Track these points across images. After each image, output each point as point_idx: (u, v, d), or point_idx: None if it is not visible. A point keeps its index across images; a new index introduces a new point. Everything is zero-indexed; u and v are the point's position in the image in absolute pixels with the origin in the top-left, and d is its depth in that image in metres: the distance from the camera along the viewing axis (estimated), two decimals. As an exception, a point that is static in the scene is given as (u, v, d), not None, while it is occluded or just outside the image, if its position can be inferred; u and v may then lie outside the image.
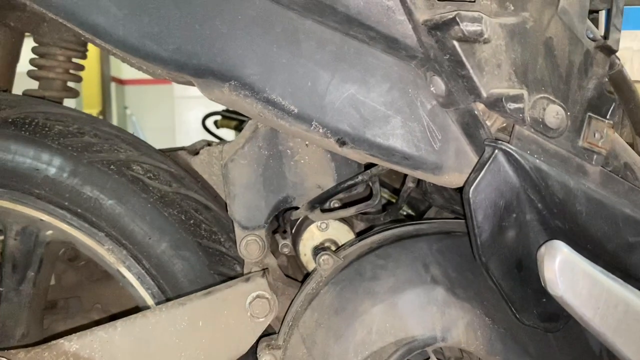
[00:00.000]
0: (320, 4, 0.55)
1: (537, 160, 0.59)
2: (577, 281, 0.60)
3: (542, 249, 0.61)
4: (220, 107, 2.68)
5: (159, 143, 0.88)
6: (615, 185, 0.65)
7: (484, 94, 0.56)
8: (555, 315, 0.67)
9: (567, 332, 0.69)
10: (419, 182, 0.80)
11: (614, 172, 0.66)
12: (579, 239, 0.63)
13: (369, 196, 0.75)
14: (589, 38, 0.62)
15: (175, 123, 5.84)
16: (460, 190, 0.62)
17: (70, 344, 0.64)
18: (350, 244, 0.74)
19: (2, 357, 0.65)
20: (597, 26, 0.67)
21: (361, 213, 0.79)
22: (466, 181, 0.60)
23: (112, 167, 0.70)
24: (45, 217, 0.70)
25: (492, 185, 0.59)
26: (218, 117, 2.84)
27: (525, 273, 0.64)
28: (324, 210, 0.75)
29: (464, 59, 0.54)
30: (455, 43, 0.54)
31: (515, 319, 0.66)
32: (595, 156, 0.63)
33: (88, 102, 5.17)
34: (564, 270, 0.59)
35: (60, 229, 0.71)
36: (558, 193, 0.60)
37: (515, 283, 0.64)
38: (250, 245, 0.71)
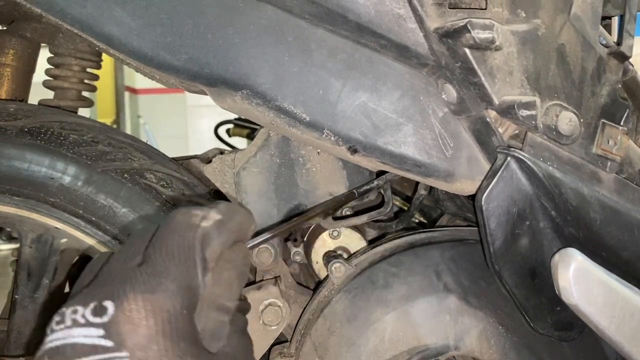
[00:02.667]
0: (331, 12, 0.56)
1: (550, 167, 0.59)
2: (591, 289, 0.59)
3: (556, 256, 0.61)
4: (232, 116, 2.69)
5: (171, 151, 0.89)
6: (630, 192, 0.64)
7: (496, 101, 0.56)
8: (569, 324, 0.66)
9: (582, 341, 0.68)
10: (431, 189, 0.80)
11: (629, 179, 0.65)
12: (593, 246, 0.62)
13: (381, 204, 0.75)
14: (601, 44, 0.61)
15: (188, 131, 5.87)
16: (472, 197, 0.61)
17: (84, 351, 0.64)
18: (362, 251, 0.74)
19: (17, 364, 0.65)
20: (610, 32, 0.67)
21: (373, 221, 0.79)
22: (478, 188, 0.60)
23: (125, 175, 0.71)
24: (60, 225, 0.71)
25: (504, 193, 0.59)
26: (230, 126, 2.86)
27: (539, 281, 0.63)
28: (335, 218, 0.75)
29: (475, 66, 0.54)
30: (467, 50, 0.54)
31: (529, 328, 0.66)
32: (609, 163, 0.62)
33: (102, 111, 5.22)
34: (579, 279, 0.59)
35: (75, 236, 0.72)
36: (572, 200, 0.60)
37: (529, 291, 0.63)
38: (262, 253, 0.71)
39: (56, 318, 0.34)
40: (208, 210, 0.40)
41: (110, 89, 5.47)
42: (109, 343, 0.32)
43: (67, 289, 0.90)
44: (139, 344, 0.32)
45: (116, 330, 0.32)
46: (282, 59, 0.58)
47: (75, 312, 0.34)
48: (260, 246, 0.70)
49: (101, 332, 0.32)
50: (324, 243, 0.79)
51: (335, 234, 0.78)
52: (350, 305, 0.68)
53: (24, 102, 0.89)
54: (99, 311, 0.33)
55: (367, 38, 0.57)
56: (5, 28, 0.89)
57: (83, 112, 0.91)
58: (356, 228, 0.80)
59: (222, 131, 2.91)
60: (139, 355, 0.32)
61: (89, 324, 0.33)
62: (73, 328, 0.33)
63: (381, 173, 0.69)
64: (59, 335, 0.33)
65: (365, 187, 0.70)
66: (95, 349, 0.32)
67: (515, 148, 0.58)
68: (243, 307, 0.46)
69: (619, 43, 0.63)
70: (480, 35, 0.53)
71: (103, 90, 5.15)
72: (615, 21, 0.70)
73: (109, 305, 0.33)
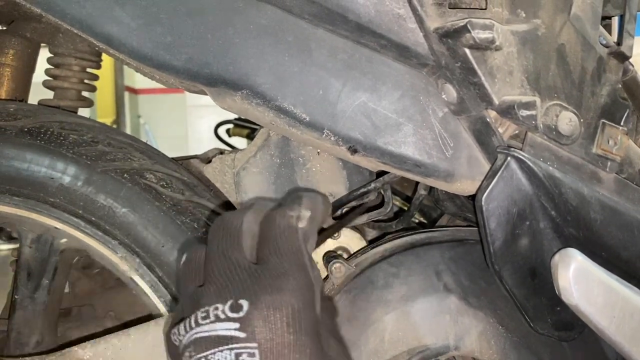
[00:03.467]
0: (331, 12, 0.56)
1: (550, 168, 0.59)
2: (591, 289, 0.59)
3: (556, 256, 0.61)
4: (232, 116, 2.69)
5: (171, 151, 0.89)
6: (630, 192, 0.64)
7: (496, 101, 0.56)
8: (569, 324, 0.66)
9: (582, 341, 0.68)
10: (431, 189, 0.80)
11: (629, 179, 0.65)
12: (593, 246, 0.62)
13: (381, 204, 0.75)
14: (601, 44, 0.61)
15: (188, 131, 5.88)
16: (472, 197, 0.61)
17: (84, 351, 0.64)
18: (362, 251, 0.74)
19: (17, 364, 0.65)
20: (610, 32, 0.67)
21: (373, 221, 0.79)
22: (478, 189, 0.60)
23: (125, 175, 0.71)
24: (59, 225, 0.71)
25: (504, 193, 0.59)
26: (230, 126, 2.86)
27: (539, 281, 0.63)
28: (335, 218, 0.75)
29: (475, 66, 0.54)
30: (467, 50, 0.54)
31: (529, 328, 0.66)
32: (609, 163, 0.62)
33: (102, 111, 5.23)
34: (579, 279, 0.59)
35: (75, 237, 0.72)
36: (572, 200, 0.60)
37: (529, 291, 0.63)
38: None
39: (202, 313, 0.40)
40: (299, 208, 0.45)
41: (110, 89, 5.47)
42: (242, 334, 0.38)
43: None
44: (267, 337, 0.38)
45: (249, 324, 0.38)
46: (282, 59, 0.58)
47: (216, 309, 0.39)
48: None
49: (237, 325, 0.38)
50: (324, 243, 0.79)
51: (335, 234, 0.78)
52: (350, 305, 0.68)
53: (23, 102, 0.89)
54: (236, 308, 0.39)
55: (367, 38, 0.57)
56: (5, 28, 0.89)
57: (83, 112, 0.91)
58: (356, 228, 0.80)
59: (222, 131, 2.92)
60: (266, 346, 0.38)
61: (228, 319, 0.39)
62: (216, 322, 0.39)
63: (381, 173, 0.69)
64: (205, 329, 0.39)
65: (367, 188, 0.70)
66: (232, 340, 0.38)
67: (515, 148, 0.58)
68: (330, 307, 0.48)
69: (619, 43, 0.63)
70: (480, 35, 0.53)
71: (103, 90, 5.15)
72: (615, 21, 0.70)
73: (244, 303, 0.39)
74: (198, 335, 0.39)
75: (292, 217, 0.44)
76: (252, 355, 0.38)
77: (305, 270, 0.42)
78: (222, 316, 0.39)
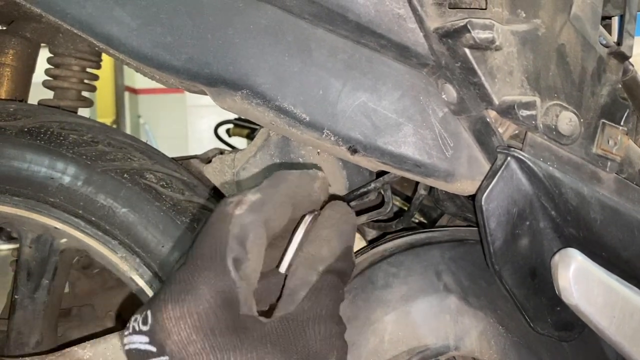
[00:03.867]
0: (331, 12, 0.56)
1: (550, 168, 0.59)
2: (592, 289, 0.59)
3: (556, 256, 0.61)
4: (232, 116, 2.69)
5: (171, 151, 0.89)
6: (630, 192, 0.64)
7: (496, 101, 0.56)
8: (570, 324, 0.66)
9: (582, 341, 0.68)
10: (431, 189, 0.80)
11: (629, 179, 0.65)
12: (593, 246, 0.62)
13: (381, 204, 0.75)
14: (602, 44, 0.61)
15: (188, 131, 5.88)
16: (472, 197, 0.61)
17: (84, 351, 0.64)
18: (362, 251, 0.74)
19: (17, 364, 0.65)
20: (610, 32, 0.67)
21: (373, 221, 0.79)
22: (478, 189, 0.60)
23: (125, 175, 0.71)
24: (59, 225, 0.71)
25: (504, 193, 0.59)
26: (230, 126, 2.86)
27: (539, 281, 0.63)
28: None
29: (475, 66, 0.54)
30: (467, 50, 0.54)
31: (530, 328, 0.66)
32: (609, 163, 0.62)
33: (102, 111, 5.23)
34: (579, 279, 0.59)
35: (75, 237, 0.72)
36: (572, 200, 0.60)
37: (529, 291, 0.63)
38: (262, 253, 0.70)
39: (128, 325, 0.39)
40: (246, 192, 0.42)
41: (110, 89, 5.47)
42: (153, 349, 0.37)
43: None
44: (177, 347, 0.36)
45: (156, 337, 0.37)
46: (282, 59, 0.58)
47: (135, 320, 0.39)
48: None
49: (147, 339, 0.37)
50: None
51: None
52: (350, 305, 0.68)
53: (23, 102, 0.89)
54: (145, 320, 0.38)
55: (367, 38, 0.57)
56: (5, 28, 0.89)
57: (83, 112, 0.91)
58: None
59: (222, 131, 2.92)
60: (179, 357, 0.36)
61: (140, 332, 0.38)
62: (133, 335, 0.38)
63: (381, 173, 0.69)
64: (126, 340, 0.39)
65: (367, 188, 0.70)
66: (147, 354, 0.37)
67: (515, 148, 0.58)
68: (340, 268, 0.44)
69: (619, 43, 0.63)
70: (480, 35, 0.53)
71: (103, 90, 5.15)
72: (615, 21, 0.70)
73: (149, 314, 0.38)
74: (126, 347, 0.39)
75: (230, 204, 0.41)
76: None
77: (220, 271, 0.38)
78: (137, 328, 0.38)
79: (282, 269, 0.45)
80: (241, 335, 0.38)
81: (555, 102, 0.58)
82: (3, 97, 0.90)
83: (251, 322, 0.39)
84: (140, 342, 0.38)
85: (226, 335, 0.37)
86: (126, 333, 0.39)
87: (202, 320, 0.37)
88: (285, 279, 0.44)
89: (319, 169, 0.48)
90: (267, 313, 0.42)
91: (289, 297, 0.42)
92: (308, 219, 0.46)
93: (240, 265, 0.39)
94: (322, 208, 0.48)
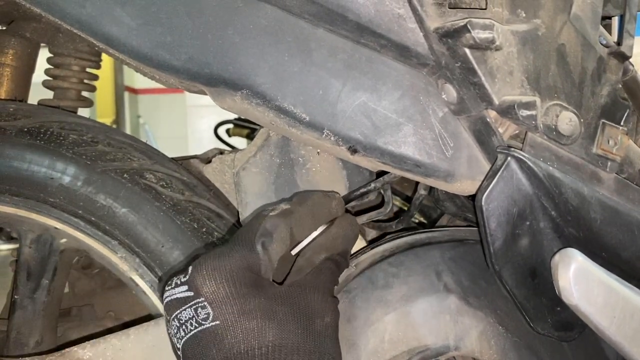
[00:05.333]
0: (331, 12, 0.56)
1: (550, 168, 0.59)
2: (592, 289, 0.59)
3: (556, 257, 0.61)
4: (232, 116, 2.69)
5: (171, 151, 0.89)
6: (630, 192, 0.64)
7: (496, 101, 0.56)
8: (570, 324, 0.66)
9: (582, 341, 0.68)
10: (431, 189, 0.80)
11: (629, 179, 0.65)
12: (593, 246, 0.62)
13: (381, 204, 0.75)
14: (602, 44, 0.61)
15: (188, 131, 5.88)
16: (472, 197, 0.61)
17: (84, 351, 0.64)
18: (362, 251, 0.74)
19: (17, 364, 0.65)
20: (610, 32, 0.67)
21: (373, 221, 0.79)
22: (478, 189, 0.60)
23: (125, 175, 0.71)
24: (59, 225, 0.71)
25: (504, 193, 0.59)
26: (230, 126, 2.86)
27: (539, 281, 0.63)
28: (335, 218, 0.75)
29: (475, 66, 0.54)
30: (467, 50, 0.54)
31: (530, 328, 0.66)
32: (609, 163, 0.62)
33: (102, 111, 5.23)
34: (579, 279, 0.59)
35: (74, 237, 0.72)
36: (572, 200, 0.60)
37: (529, 291, 0.63)
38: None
39: (168, 282, 0.50)
40: (279, 203, 0.57)
41: (110, 89, 5.47)
42: (191, 293, 0.48)
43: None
44: (210, 291, 0.48)
45: (193, 284, 0.48)
46: (282, 59, 0.58)
47: (176, 277, 0.50)
48: None
49: (186, 287, 0.49)
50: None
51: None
52: (350, 305, 0.68)
53: (23, 102, 0.89)
54: (185, 274, 0.49)
55: (367, 38, 0.57)
56: (5, 28, 0.89)
57: (83, 112, 0.91)
58: (356, 228, 0.80)
59: (221, 131, 2.92)
60: (212, 297, 0.47)
61: (180, 284, 0.49)
62: (174, 288, 0.49)
63: (381, 173, 0.69)
64: (167, 294, 0.50)
65: (367, 188, 0.70)
66: (186, 300, 0.48)
67: (515, 148, 0.58)
68: (339, 260, 0.58)
69: (619, 43, 0.63)
70: (480, 35, 0.53)
71: (103, 90, 5.15)
72: (615, 21, 0.70)
73: (189, 269, 0.49)
74: (166, 302, 0.50)
75: (267, 210, 0.55)
76: (204, 307, 0.47)
77: (248, 245, 0.51)
78: (178, 282, 0.49)
79: (294, 251, 0.56)
80: (259, 290, 0.50)
81: (555, 102, 0.58)
82: (3, 97, 0.90)
83: (267, 284, 0.51)
84: (180, 291, 0.49)
85: (248, 287, 0.49)
86: (167, 289, 0.50)
87: (231, 274, 0.48)
88: (294, 260, 0.56)
89: (337, 193, 0.65)
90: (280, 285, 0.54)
91: (296, 271, 0.54)
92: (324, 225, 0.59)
93: (266, 248, 0.51)
94: None
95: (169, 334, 0.51)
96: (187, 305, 0.48)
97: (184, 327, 0.48)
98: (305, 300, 0.52)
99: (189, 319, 0.48)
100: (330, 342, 0.52)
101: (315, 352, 0.50)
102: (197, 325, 0.47)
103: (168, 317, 0.50)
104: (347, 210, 0.66)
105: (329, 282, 0.56)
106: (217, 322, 0.47)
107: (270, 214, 0.54)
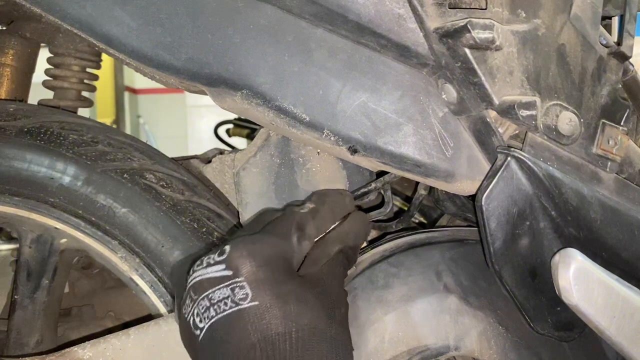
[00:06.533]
0: (331, 12, 0.56)
1: (551, 168, 0.59)
2: (592, 290, 0.59)
3: (556, 256, 0.61)
4: (232, 116, 2.69)
5: (171, 151, 0.89)
6: (630, 192, 0.64)
7: (496, 101, 0.56)
8: (570, 324, 0.66)
9: (582, 341, 0.68)
10: (431, 189, 0.80)
11: (629, 179, 0.65)
12: (593, 246, 0.62)
13: (381, 204, 0.75)
14: (602, 44, 0.61)
15: (188, 131, 5.87)
16: (472, 197, 0.61)
17: (84, 351, 0.64)
18: (362, 252, 0.74)
19: (17, 364, 0.65)
20: (610, 32, 0.67)
21: (373, 221, 0.79)
22: (478, 188, 0.60)
23: (125, 175, 0.71)
24: (59, 225, 0.71)
25: (504, 193, 0.59)
26: (230, 126, 2.86)
27: (539, 281, 0.63)
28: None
29: (475, 66, 0.54)
30: (467, 50, 0.54)
31: (530, 328, 0.66)
32: (609, 163, 0.62)
33: (102, 111, 5.22)
34: (579, 279, 0.59)
35: (74, 237, 0.72)
36: (572, 200, 0.60)
37: (529, 291, 0.63)
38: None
39: (196, 262, 0.50)
40: (305, 202, 0.60)
41: (110, 89, 5.47)
42: (229, 272, 0.48)
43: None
44: (249, 271, 0.48)
45: (232, 263, 0.48)
46: (282, 59, 0.58)
47: (209, 257, 0.50)
48: None
49: (224, 266, 0.49)
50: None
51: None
52: (351, 305, 0.68)
53: (23, 102, 0.89)
54: (222, 252, 0.49)
55: (367, 38, 0.57)
56: (5, 28, 0.89)
57: (83, 112, 0.91)
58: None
59: (221, 131, 2.92)
60: (251, 278, 0.48)
61: (215, 263, 0.49)
62: (207, 267, 0.49)
63: (381, 173, 0.69)
64: (199, 273, 0.50)
65: (367, 188, 0.70)
66: (222, 279, 0.48)
67: (515, 148, 0.58)
68: (349, 253, 0.59)
69: (619, 43, 0.63)
70: (480, 35, 0.53)
71: (103, 90, 5.15)
72: (615, 21, 0.70)
73: (227, 248, 0.50)
74: (194, 281, 0.49)
75: (297, 207, 0.58)
76: (242, 287, 0.47)
77: (284, 236, 0.53)
78: (212, 262, 0.49)
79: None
80: (291, 277, 0.51)
81: (555, 102, 0.58)
82: (3, 97, 0.90)
83: (295, 274, 0.52)
84: (214, 270, 0.49)
85: (283, 274, 0.50)
86: (197, 268, 0.50)
87: (270, 259, 0.50)
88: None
89: (346, 190, 0.69)
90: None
91: (312, 261, 0.55)
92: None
93: (300, 242, 0.53)
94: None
95: (185, 313, 0.50)
96: (223, 285, 0.48)
97: (216, 306, 0.47)
98: (328, 290, 0.53)
99: (224, 298, 0.47)
100: (346, 333, 0.54)
101: (338, 340, 0.51)
102: (232, 305, 0.47)
103: (194, 296, 0.49)
104: (359, 208, 0.69)
105: (342, 274, 0.57)
106: (256, 303, 0.47)
107: (301, 211, 0.56)
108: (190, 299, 0.50)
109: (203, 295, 0.48)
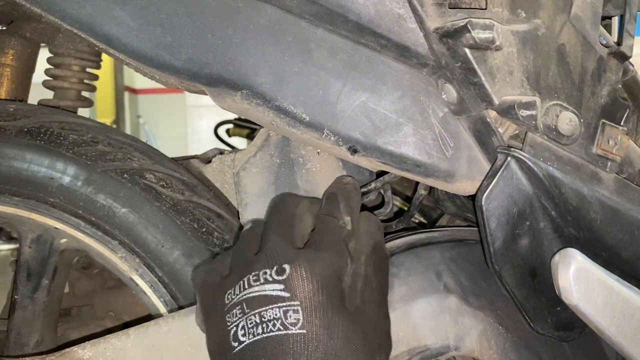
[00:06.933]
0: (331, 12, 0.56)
1: (551, 168, 0.59)
2: (592, 290, 0.59)
3: (556, 257, 0.61)
4: (232, 116, 2.69)
5: (171, 151, 0.89)
6: (630, 192, 0.64)
7: (496, 101, 0.56)
8: (570, 324, 0.66)
9: (582, 341, 0.68)
10: (431, 189, 0.80)
11: (629, 179, 0.65)
12: (593, 246, 0.62)
13: (381, 204, 0.75)
14: (602, 44, 0.61)
15: (188, 131, 5.88)
16: (472, 197, 0.61)
17: (84, 351, 0.64)
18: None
19: (17, 364, 0.65)
20: (610, 32, 0.67)
21: (373, 221, 0.79)
22: (478, 189, 0.60)
23: (125, 175, 0.71)
24: (59, 225, 0.71)
25: (504, 193, 0.59)
26: (230, 126, 2.86)
27: (539, 281, 0.63)
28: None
29: (475, 66, 0.54)
30: (467, 50, 0.54)
31: (530, 328, 0.66)
32: (609, 163, 0.62)
33: (102, 111, 5.22)
34: (579, 279, 0.59)
35: (74, 237, 0.72)
36: (572, 200, 0.60)
37: (529, 291, 0.63)
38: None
39: (253, 277, 0.49)
40: (341, 215, 0.56)
41: (110, 89, 5.47)
42: (287, 294, 0.47)
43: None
44: (306, 296, 0.47)
45: (291, 285, 0.47)
46: (282, 59, 0.58)
47: (265, 273, 0.48)
48: None
49: (282, 286, 0.47)
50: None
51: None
52: (350, 305, 0.68)
53: (23, 102, 0.89)
54: (280, 272, 0.48)
55: (367, 38, 0.57)
56: (5, 28, 0.89)
57: (83, 112, 0.91)
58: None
59: (221, 131, 2.92)
60: (306, 304, 0.46)
61: (274, 281, 0.47)
62: (265, 284, 0.47)
63: (381, 173, 0.69)
64: (255, 289, 0.48)
65: (367, 188, 0.70)
66: (279, 299, 0.46)
67: (515, 148, 0.58)
68: (375, 259, 0.57)
69: (619, 43, 0.63)
70: (480, 35, 0.53)
71: (103, 90, 5.15)
72: (615, 21, 0.70)
73: (287, 267, 0.48)
74: (250, 295, 0.48)
75: (340, 221, 0.55)
76: (296, 312, 0.46)
77: (341, 252, 0.51)
78: (270, 279, 0.48)
79: None
80: (343, 303, 0.49)
81: (555, 102, 0.58)
82: (3, 97, 0.90)
83: (346, 296, 0.50)
84: (272, 289, 0.47)
85: (337, 299, 0.48)
86: (255, 284, 0.48)
87: (326, 282, 0.48)
88: None
89: (350, 176, 0.67)
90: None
91: (352, 290, 0.52)
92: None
93: (351, 258, 0.52)
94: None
95: (229, 322, 0.49)
96: (276, 305, 0.46)
97: (264, 325, 0.46)
98: (375, 331, 0.51)
99: (274, 318, 0.46)
100: None
101: None
102: (281, 327, 0.46)
103: (247, 310, 0.47)
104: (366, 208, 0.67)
105: (384, 299, 0.56)
106: (304, 331, 0.46)
107: (344, 225, 0.55)
108: (242, 312, 0.48)
109: (256, 312, 0.47)
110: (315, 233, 0.54)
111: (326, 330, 0.46)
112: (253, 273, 0.49)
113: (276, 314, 0.46)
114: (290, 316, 0.46)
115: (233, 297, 0.49)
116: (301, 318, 0.46)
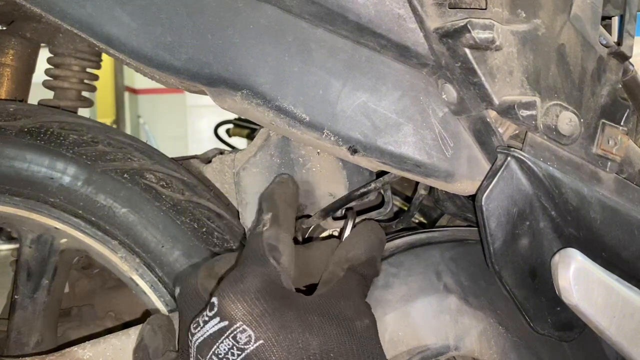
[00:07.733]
0: (331, 12, 0.56)
1: (550, 168, 0.59)
2: (592, 290, 0.59)
3: (556, 257, 0.61)
4: (232, 116, 2.69)
5: (171, 151, 0.89)
6: (630, 192, 0.65)
7: (496, 101, 0.56)
8: (569, 324, 0.66)
9: (582, 341, 0.68)
10: (431, 189, 0.80)
11: (629, 179, 0.65)
12: (593, 246, 0.62)
13: (381, 204, 0.75)
14: (602, 44, 0.61)
15: (188, 132, 5.88)
16: (472, 197, 0.61)
17: (84, 351, 0.64)
18: (362, 252, 0.74)
19: (17, 364, 0.65)
20: (610, 32, 0.67)
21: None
22: (478, 189, 0.60)
23: (125, 175, 0.71)
24: (59, 226, 0.71)
25: (504, 193, 0.59)
26: (230, 126, 2.86)
27: (539, 281, 0.63)
28: (335, 219, 0.75)
29: (475, 66, 0.54)
30: (467, 50, 0.54)
31: (530, 328, 0.66)
32: (609, 163, 0.62)
33: (102, 111, 5.23)
34: (579, 279, 0.59)
35: (75, 237, 0.72)
36: (572, 200, 0.60)
37: (529, 291, 0.63)
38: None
39: (193, 325, 0.50)
40: (261, 216, 0.57)
41: (110, 89, 5.47)
42: (225, 323, 0.47)
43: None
44: (244, 313, 0.47)
45: (225, 312, 0.47)
46: (282, 59, 0.58)
47: (201, 315, 0.49)
48: None
49: (217, 319, 0.47)
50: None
51: (335, 234, 0.78)
52: (350, 305, 0.68)
53: (23, 102, 0.89)
54: (211, 307, 0.48)
55: (367, 38, 0.57)
56: (5, 28, 0.89)
57: (83, 112, 0.91)
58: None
59: (221, 131, 2.92)
60: (248, 319, 0.47)
61: (210, 318, 0.48)
62: (204, 326, 0.48)
63: (381, 173, 0.69)
64: (199, 335, 0.48)
65: (367, 188, 0.70)
66: (221, 332, 0.47)
67: (515, 148, 0.58)
68: (362, 272, 0.58)
69: (619, 43, 0.63)
70: (480, 35, 0.53)
71: (103, 90, 5.15)
72: (615, 21, 0.70)
73: (214, 300, 0.49)
74: (197, 342, 0.49)
75: (258, 227, 0.55)
76: (243, 331, 0.46)
77: (262, 261, 0.51)
78: (207, 319, 0.48)
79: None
80: (289, 301, 0.49)
81: (555, 102, 0.58)
82: (3, 97, 0.90)
83: (294, 295, 0.51)
84: (211, 326, 0.48)
85: (279, 300, 0.48)
86: (195, 331, 0.49)
87: (259, 292, 0.48)
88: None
89: (286, 174, 0.69)
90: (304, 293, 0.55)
91: (323, 284, 0.56)
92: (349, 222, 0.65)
93: (279, 261, 0.52)
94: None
95: None
96: (223, 337, 0.47)
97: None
98: (337, 307, 0.52)
99: (229, 349, 0.46)
100: (374, 343, 0.52)
101: (362, 352, 0.49)
102: (239, 352, 0.46)
103: (203, 357, 0.48)
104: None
105: (355, 290, 0.56)
106: (261, 342, 0.46)
107: (263, 227, 0.55)
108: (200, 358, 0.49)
109: (210, 354, 0.47)
110: (243, 252, 0.55)
111: (281, 329, 0.46)
112: (194, 322, 0.50)
113: (228, 344, 0.46)
114: (241, 338, 0.46)
115: (190, 351, 0.50)
116: (252, 333, 0.46)
